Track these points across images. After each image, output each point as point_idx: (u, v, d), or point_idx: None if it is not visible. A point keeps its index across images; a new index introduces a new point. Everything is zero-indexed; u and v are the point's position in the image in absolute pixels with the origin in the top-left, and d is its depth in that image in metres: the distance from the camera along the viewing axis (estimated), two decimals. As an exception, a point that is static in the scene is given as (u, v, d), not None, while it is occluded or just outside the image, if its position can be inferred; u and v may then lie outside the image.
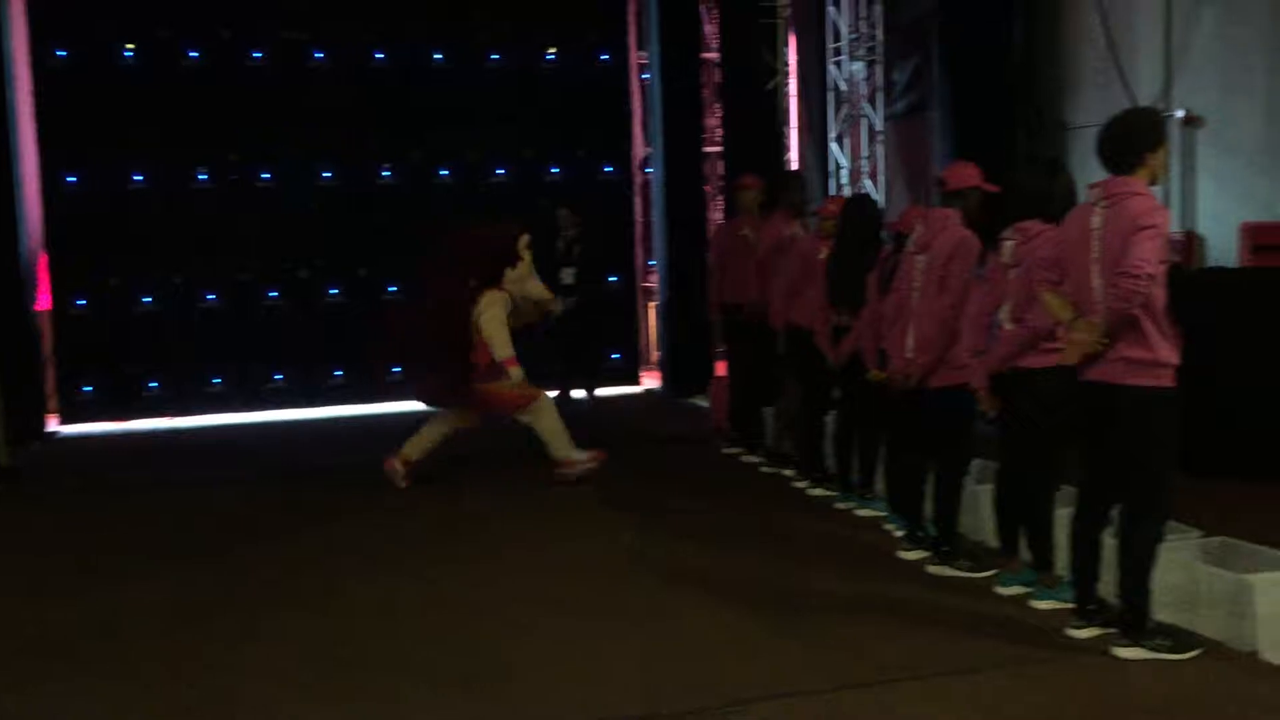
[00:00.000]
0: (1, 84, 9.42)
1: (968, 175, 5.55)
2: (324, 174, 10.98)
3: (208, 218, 10.67)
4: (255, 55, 10.77)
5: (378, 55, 11.07)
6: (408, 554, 6.11)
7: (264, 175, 10.84)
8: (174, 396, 10.71)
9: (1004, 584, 5.17)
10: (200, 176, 10.69)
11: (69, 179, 10.39)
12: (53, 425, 10.31)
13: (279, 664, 4.59)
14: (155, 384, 10.67)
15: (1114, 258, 4.18)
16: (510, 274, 7.42)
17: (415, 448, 7.56)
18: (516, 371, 7.32)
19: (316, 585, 5.59)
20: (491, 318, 7.27)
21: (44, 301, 10.42)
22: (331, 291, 11.03)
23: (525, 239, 7.51)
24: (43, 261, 10.46)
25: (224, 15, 10.68)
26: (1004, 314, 4.97)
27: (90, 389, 10.54)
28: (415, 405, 7.96)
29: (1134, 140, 4.31)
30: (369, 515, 6.96)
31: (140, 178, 10.56)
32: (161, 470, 8.62)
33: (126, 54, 10.49)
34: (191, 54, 10.62)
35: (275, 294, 10.92)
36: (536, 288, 7.65)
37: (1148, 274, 4.09)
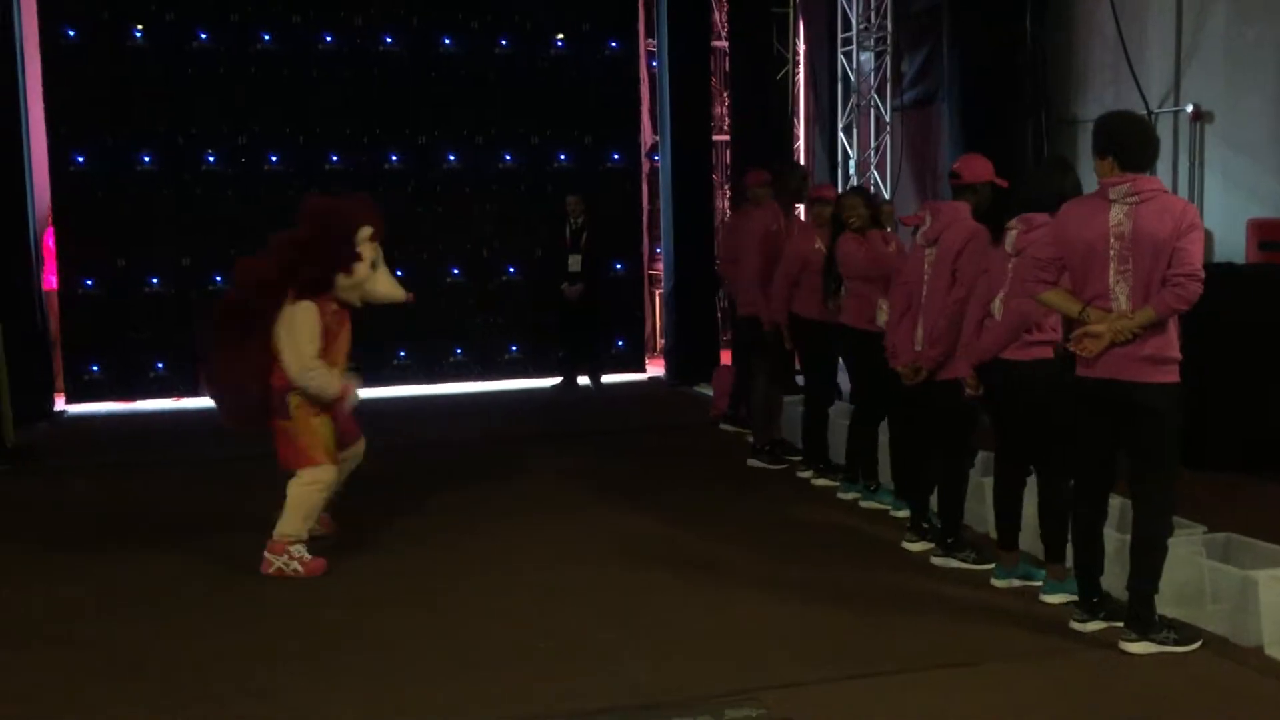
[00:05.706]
0: (12, 64, 9.41)
1: (981, 169, 5.54)
2: (331, 158, 10.97)
3: (215, 200, 10.68)
4: (264, 38, 10.77)
5: (387, 40, 11.07)
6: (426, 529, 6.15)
7: (272, 159, 10.84)
8: (179, 377, 10.72)
9: (999, 577, 5.19)
10: (209, 159, 10.70)
11: (77, 159, 10.40)
12: (60, 404, 10.33)
13: (262, 641, 4.64)
14: (161, 365, 10.69)
15: (1154, 255, 4.21)
16: (344, 281, 5.62)
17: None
18: (350, 396, 5.74)
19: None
20: (293, 331, 5.51)
21: (51, 282, 10.44)
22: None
23: (366, 231, 5.67)
24: (49, 242, 10.47)
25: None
26: (996, 305, 5.02)
27: (97, 369, 10.56)
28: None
29: (1153, 143, 4.44)
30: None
31: (148, 159, 10.57)
32: (165, 450, 8.63)
33: (136, 34, 10.50)
34: (201, 35, 10.62)
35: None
36: (385, 286, 5.83)
37: (1202, 275, 4.18)
